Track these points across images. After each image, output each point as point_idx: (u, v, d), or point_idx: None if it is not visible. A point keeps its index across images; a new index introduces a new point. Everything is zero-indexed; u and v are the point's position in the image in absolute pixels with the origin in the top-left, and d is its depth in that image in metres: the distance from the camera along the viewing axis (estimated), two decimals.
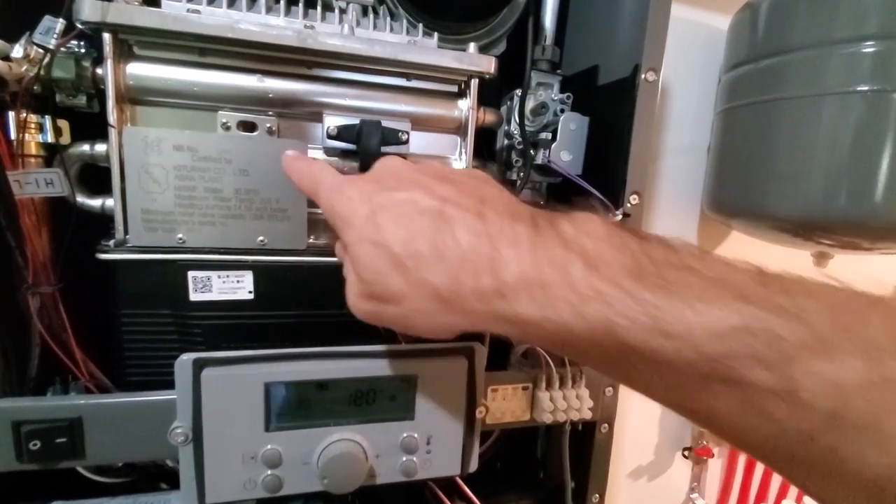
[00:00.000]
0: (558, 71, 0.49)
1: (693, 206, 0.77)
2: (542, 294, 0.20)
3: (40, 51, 0.31)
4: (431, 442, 0.35)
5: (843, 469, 0.15)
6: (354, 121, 0.38)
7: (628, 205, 0.40)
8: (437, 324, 0.23)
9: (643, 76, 0.38)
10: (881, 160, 0.54)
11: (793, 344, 0.16)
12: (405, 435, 0.34)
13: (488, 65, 0.38)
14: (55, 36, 0.30)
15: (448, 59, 0.38)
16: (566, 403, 0.38)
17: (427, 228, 0.22)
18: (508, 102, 0.48)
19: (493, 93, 0.48)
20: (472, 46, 0.39)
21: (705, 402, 0.18)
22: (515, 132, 0.46)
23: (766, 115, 0.61)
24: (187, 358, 0.31)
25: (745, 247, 0.78)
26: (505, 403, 0.38)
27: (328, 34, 0.35)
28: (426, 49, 0.37)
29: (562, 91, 0.48)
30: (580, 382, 0.39)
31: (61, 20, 0.31)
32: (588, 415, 0.39)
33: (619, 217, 0.40)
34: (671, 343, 0.17)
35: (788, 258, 0.66)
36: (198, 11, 0.34)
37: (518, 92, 0.46)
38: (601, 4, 0.48)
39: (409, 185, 0.24)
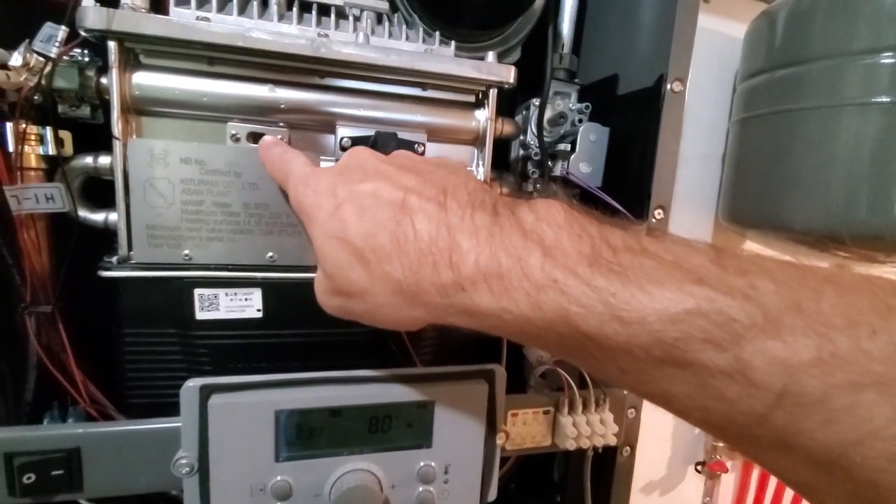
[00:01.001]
0: (576, 80, 0.47)
1: (707, 216, 0.76)
2: (500, 285, 0.20)
3: (41, 59, 0.30)
4: (449, 471, 0.33)
5: (794, 446, 0.16)
6: (369, 132, 0.36)
7: (653, 220, 0.38)
8: (401, 317, 0.23)
9: (669, 86, 0.37)
10: None
11: (744, 324, 0.16)
12: (422, 464, 0.32)
13: (508, 74, 0.37)
14: (57, 44, 0.29)
15: (466, 68, 0.36)
16: (590, 429, 0.36)
17: (388, 221, 0.22)
18: (524, 112, 0.47)
19: (507, 101, 0.47)
20: (490, 55, 0.37)
21: (661, 386, 0.18)
22: (531, 142, 0.45)
23: (783, 126, 0.60)
24: (193, 384, 0.29)
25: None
26: (525, 428, 0.36)
27: (342, 43, 0.34)
28: (444, 58, 0.36)
29: (579, 100, 0.47)
30: (604, 406, 0.38)
31: (63, 28, 0.29)
32: (613, 441, 0.37)
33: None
34: (626, 329, 0.17)
35: None
36: (207, 19, 0.32)
37: (535, 101, 0.45)
38: (619, 12, 0.47)
39: (374, 177, 0.24)
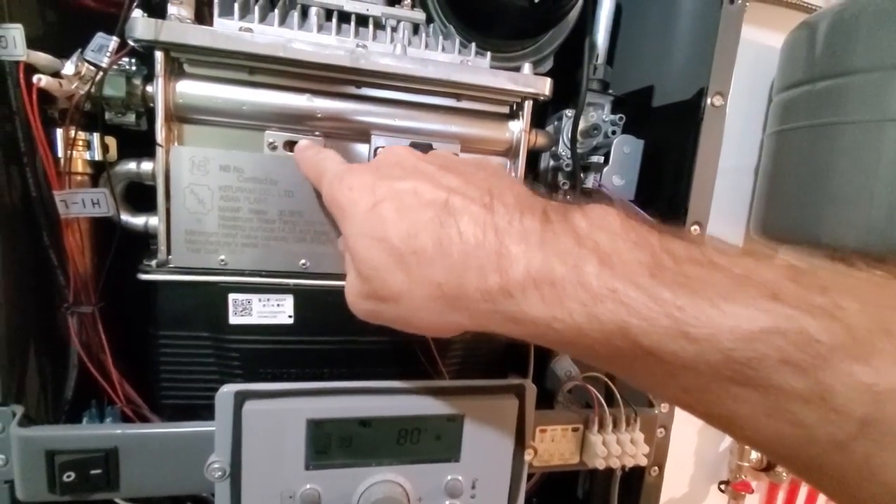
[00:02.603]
0: (610, 91, 0.47)
1: (738, 229, 0.74)
2: (552, 293, 0.19)
3: (91, 68, 0.31)
4: (477, 486, 0.33)
5: (877, 477, 0.15)
6: (403, 141, 0.36)
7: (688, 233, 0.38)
8: (440, 323, 0.22)
9: (710, 101, 0.36)
10: None
11: (828, 346, 0.15)
12: (450, 477, 0.32)
13: (543, 86, 0.37)
14: (108, 54, 0.30)
15: (502, 79, 0.36)
16: (620, 448, 0.35)
17: (430, 222, 0.21)
18: (556, 122, 0.46)
19: (538, 112, 0.47)
20: (526, 67, 0.37)
21: (727, 407, 0.17)
22: (563, 153, 0.45)
23: (823, 139, 0.58)
24: (228, 390, 0.29)
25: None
26: (553, 445, 0.35)
27: (381, 54, 0.34)
28: (480, 70, 0.36)
29: (613, 111, 0.46)
30: (634, 425, 0.37)
31: (115, 38, 0.30)
32: (643, 461, 0.36)
33: None
34: (693, 346, 0.16)
35: None
36: (250, 30, 0.33)
37: (567, 112, 0.44)
38: (656, 22, 0.46)
39: (414, 175, 0.23)
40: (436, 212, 0.21)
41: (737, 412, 0.17)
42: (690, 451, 0.83)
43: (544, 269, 0.19)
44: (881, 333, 0.15)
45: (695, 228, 0.38)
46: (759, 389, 0.16)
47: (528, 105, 0.37)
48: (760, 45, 0.71)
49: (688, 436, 0.82)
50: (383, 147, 0.35)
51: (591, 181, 0.43)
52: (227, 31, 0.32)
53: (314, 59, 0.33)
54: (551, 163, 0.47)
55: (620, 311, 0.17)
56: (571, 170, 0.43)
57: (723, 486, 0.82)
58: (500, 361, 0.42)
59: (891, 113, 0.53)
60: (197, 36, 0.31)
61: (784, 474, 0.80)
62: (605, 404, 0.37)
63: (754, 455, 0.79)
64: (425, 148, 0.36)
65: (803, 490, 0.85)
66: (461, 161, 0.26)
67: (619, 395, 0.38)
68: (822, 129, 0.59)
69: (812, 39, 0.62)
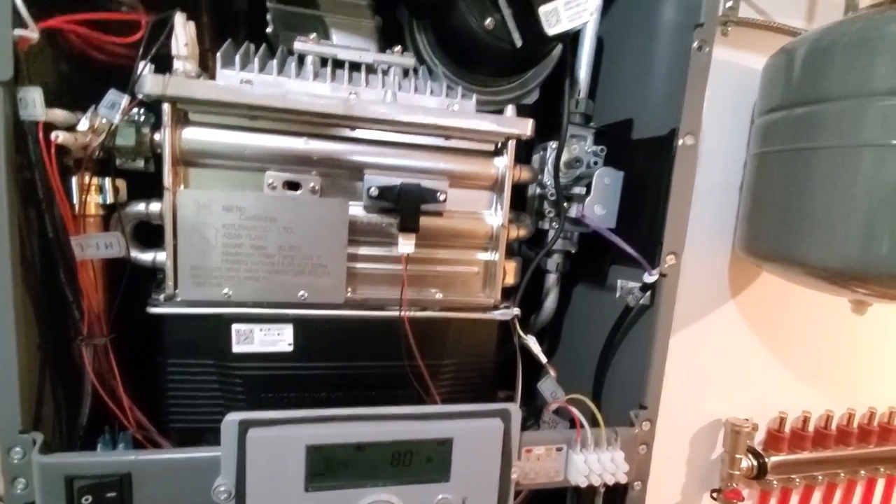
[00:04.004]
0: (591, 124, 0.49)
1: (724, 245, 0.76)
2: None
3: (104, 121, 0.33)
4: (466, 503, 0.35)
5: None
6: (394, 180, 0.39)
7: (665, 265, 0.40)
8: None
9: (681, 141, 0.38)
10: None
11: None
12: (441, 496, 0.34)
13: (525, 127, 0.39)
14: (120, 110, 0.32)
15: (486, 122, 0.39)
16: (601, 466, 0.37)
17: None
18: (541, 152, 0.49)
19: (524, 142, 0.49)
20: (509, 109, 0.40)
21: None
22: (548, 182, 0.47)
23: (801, 163, 0.60)
24: (233, 419, 0.32)
25: (777, 288, 0.77)
26: (539, 464, 0.38)
27: (372, 102, 0.36)
28: (465, 114, 0.38)
29: (595, 143, 0.49)
30: (615, 444, 0.39)
31: (126, 96, 0.32)
32: (623, 479, 0.39)
33: (656, 277, 0.40)
34: None
35: (823, 302, 0.64)
36: (250, 82, 0.35)
37: (552, 144, 0.47)
38: (634, 60, 0.48)
39: None
40: None
41: None
42: (682, 460, 0.85)
43: None
44: None
45: (671, 258, 0.40)
46: None
47: (511, 144, 0.40)
48: (746, 67, 0.73)
49: (679, 445, 0.84)
50: (376, 188, 0.38)
51: (574, 210, 0.45)
52: (228, 84, 0.35)
53: (310, 108, 0.35)
54: (537, 191, 0.49)
55: None
56: (555, 199, 0.46)
57: (714, 495, 0.84)
58: (490, 383, 0.44)
59: (864, 139, 0.55)
60: (201, 90, 0.34)
61: (775, 482, 0.82)
62: (587, 425, 0.39)
63: (745, 463, 0.81)
64: (414, 187, 0.38)
65: (794, 498, 0.87)
66: None
67: (600, 416, 0.40)
68: (800, 154, 0.61)
69: (790, 66, 0.64)
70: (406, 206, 0.37)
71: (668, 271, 0.40)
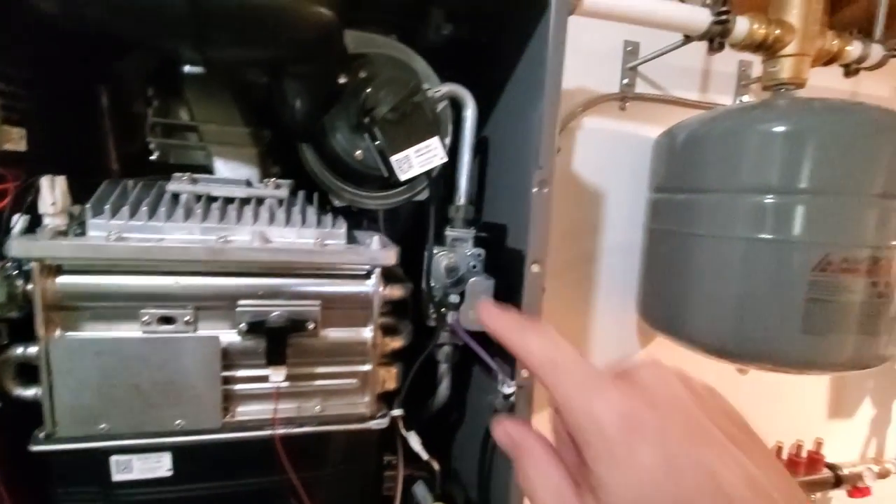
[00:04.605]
0: (472, 228, 0.53)
1: (631, 304, 0.81)
2: None
3: None
4: None
5: None
6: (267, 308, 0.41)
7: (522, 376, 0.44)
8: None
9: (528, 267, 0.42)
10: (786, 304, 0.58)
11: None
12: None
13: (388, 258, 0.43)
14: None
15: (351, 256, 0.42)
16: None
17: None
18: (427, 253, 0.52)
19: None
20: (374, 241, 0.43)
21: None
22: (434, 285, 0.50)
23: (684, 246, 0.65)
24: None
25: (678, 348, 0.81)
26: None
27: (238, 248, 0.39)
28: (332, 252, 0.42)
29: (476, 244, 0.52)
30: None
31: None
32: None
33: (513, 389, 0.44)
34: None
35: (713, 364, 0.69)
36: (120, 238, 0.38)
37: (435, 249, 0.50)
38: (510, 161, 0.52)
39: (705, 439, 0.19)
40: None
41: None
42: None
43: None
44: None
45: (525, 371, 0.44)
46: None
47: (377, 271, 0.43)
48: (644, 137, 0.78)
49: None
50: (246, 323, 0.41)
51: (450, 317, 0.49)
52: (94, 240, 0.37)
53: (177, 257, 0.38)
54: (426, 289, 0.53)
55: None
56: (434, 310, 0.49)
57: None
58: (373, 485, 0.48)
59: (735, 232, 0.60)
60: (67, 250, 0.36)
61: None
62: None
63: None
64: (283, 319, 0.41)
65: None
66: (741, 422, 0.22)
67: None
68: (683, 237, 0.66)
69: (673, 150, 0.69)
70: (272, 340, 0.40)
71: (525, 382, 0.44)
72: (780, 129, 0.56)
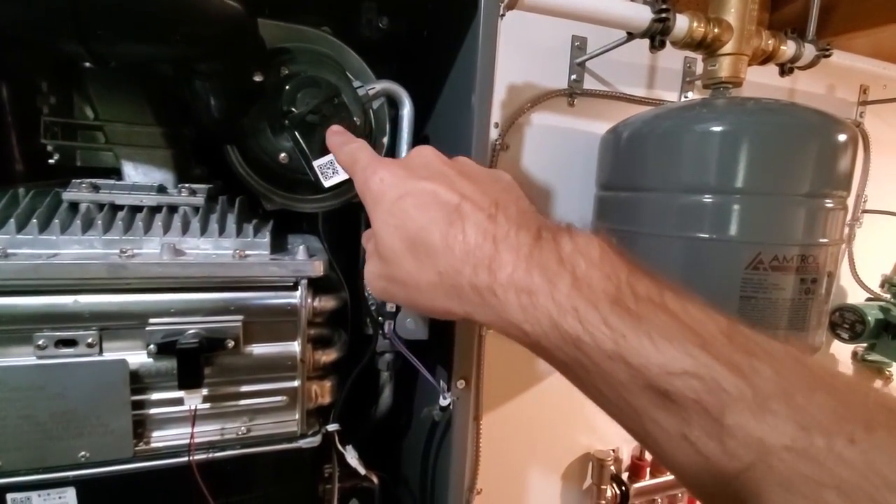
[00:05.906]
0: None
1: None
2: (528, 300, 0.22)
3: None
4: None
5: None
6: (182, 326, 0.38)
7: (457, 388, 0.43)
8: (436, 306, 0.26)
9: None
10: (723, 301, 0.59)
11: (732, 397, 0.18)
12: None
13: (315, 269, 0.40)
14: None
15: (273, 269, 0.39)
16: None
17: (442, 221, 0.25)
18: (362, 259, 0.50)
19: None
20: (301, 251, 0.40)
21: (647, 425, 0.20)
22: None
23: (627, 244, 0.65)
24: None
25: None
26: None
27: (144, 263, 0.36)
28: (250, 264, 0.39)
29: None
30: None
31: None
32: None
33: (448, 402, 0.43)
34: (627, 369, 0.20)
35: None
36: (5, 255, 0.34)
37: None
38: None
39: (437, 178, 0.26)
40: (447, 212, 0.25)
41: (654, 431, 0.20)
42: (556, 494, 0.91)
43: (525, 278, 0.22)
44: (781, 399, 0.17)
45: (461, 382, 0.43)
46: (674, 416, 0.19)
47: (303, 283, 0.41)
48: (593, 133, 0.78)
49: (552, 480, 0.89)
50: (155, 345, 0.37)
51: (387, 327, 0.47)
52: None
53: (72, 275, 0.34)
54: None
55: (578, 327, 0.21)
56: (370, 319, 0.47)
57: None
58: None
59: (674, 231, 0.60)
60: None
61: None
62: None
63: (609, 492, 0.88)
64: (194, 339, 0.38)
65: None
66: (479, 170, 0.29)
67: None
68: (627, 234, 0.66)
69: (617, 148, 0.69)
70: (184, 363, 0.37)
71: (461, 394, 0.43)
72: (715, 129, 0.56)
